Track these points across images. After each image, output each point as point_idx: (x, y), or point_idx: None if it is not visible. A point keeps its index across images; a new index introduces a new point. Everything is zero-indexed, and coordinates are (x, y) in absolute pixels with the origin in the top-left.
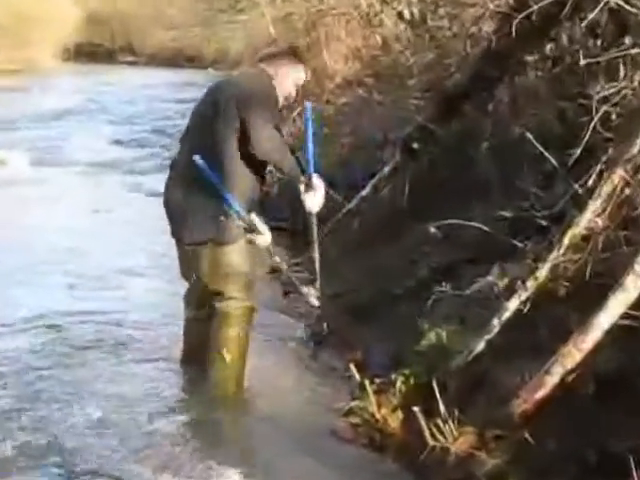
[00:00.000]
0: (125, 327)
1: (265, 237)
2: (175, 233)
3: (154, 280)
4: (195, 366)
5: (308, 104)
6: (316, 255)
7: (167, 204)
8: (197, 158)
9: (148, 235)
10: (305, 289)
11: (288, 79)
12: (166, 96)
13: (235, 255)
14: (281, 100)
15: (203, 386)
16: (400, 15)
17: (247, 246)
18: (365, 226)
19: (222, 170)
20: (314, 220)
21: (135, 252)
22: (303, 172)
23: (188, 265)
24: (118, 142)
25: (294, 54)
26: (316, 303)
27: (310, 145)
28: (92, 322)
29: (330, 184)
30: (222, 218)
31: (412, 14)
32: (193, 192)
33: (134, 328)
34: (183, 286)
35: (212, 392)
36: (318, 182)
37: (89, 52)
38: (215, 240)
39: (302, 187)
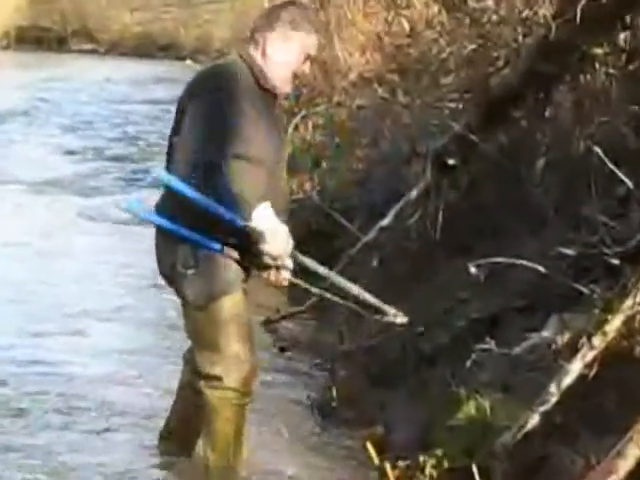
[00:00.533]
0: (84, 383)
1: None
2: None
3: (118, 325)
4: (177, 443)
5: (158, 171)
6: (344, 283)
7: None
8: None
9: (111, 271)
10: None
11: (287, 54)
12: (133, 95)
13: (208, 322)
14: (282, 85)
15: (185, 467)
16: None
17: (238, 302)
18: (386, 264)
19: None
20: (302, 259)
21: (96, 291)
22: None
23: None
24: (72, 153)
25: (291, 16)
26: (404, 319)
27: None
28: (44, 375)
29: (343, 210)
30: (190, 271)
31: None
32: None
33: (95, 385)
34: (155, 333)
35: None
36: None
37: (35, 38)
38: (185, 298)
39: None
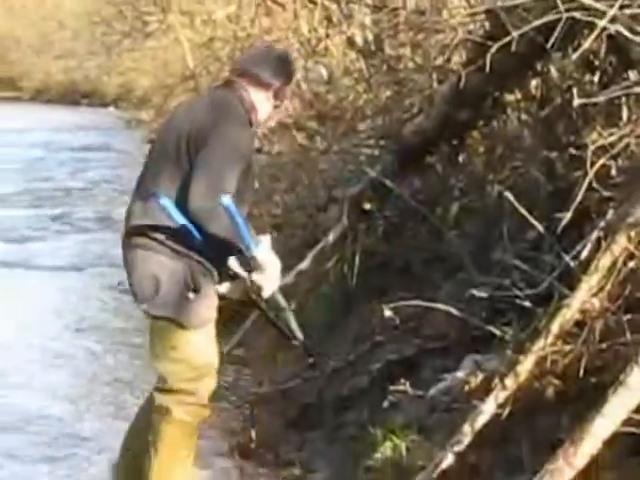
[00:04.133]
0: None
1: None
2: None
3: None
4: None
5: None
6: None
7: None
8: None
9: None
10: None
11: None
12: (55, 141)
13: (197, 344)
14: (266, 120)
15: None
16: (350, 41)
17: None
18: (304, 308)
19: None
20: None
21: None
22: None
23: None
24: None
25: (295, 67)
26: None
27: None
28: None
29: None
30: (191, 295)
31: (366, 40)
32: (155, 250)
33: None
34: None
35: None
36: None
37: None
38: (177, 321)
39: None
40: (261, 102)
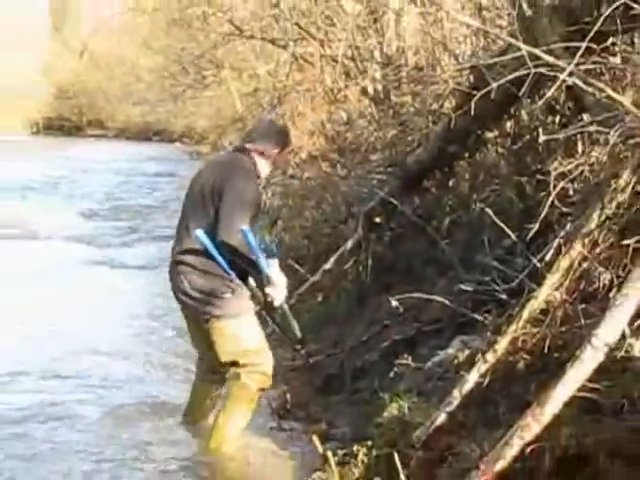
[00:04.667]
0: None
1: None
2: (182, 309)
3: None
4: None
5: (245, 229)
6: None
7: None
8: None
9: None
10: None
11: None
12: (133, 169)
13: (244, 328)
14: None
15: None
16: (364, 91)
17: (255, 318)
18: (329, 299)
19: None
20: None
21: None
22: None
23: (198, 338)
24: (86, 215)
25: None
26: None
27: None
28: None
29: (296, 257)
30: (227, 295)
31: (376, 90)
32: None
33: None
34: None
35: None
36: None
37: (58, 126)
38: (218, 315)
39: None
40: (262, 164)
